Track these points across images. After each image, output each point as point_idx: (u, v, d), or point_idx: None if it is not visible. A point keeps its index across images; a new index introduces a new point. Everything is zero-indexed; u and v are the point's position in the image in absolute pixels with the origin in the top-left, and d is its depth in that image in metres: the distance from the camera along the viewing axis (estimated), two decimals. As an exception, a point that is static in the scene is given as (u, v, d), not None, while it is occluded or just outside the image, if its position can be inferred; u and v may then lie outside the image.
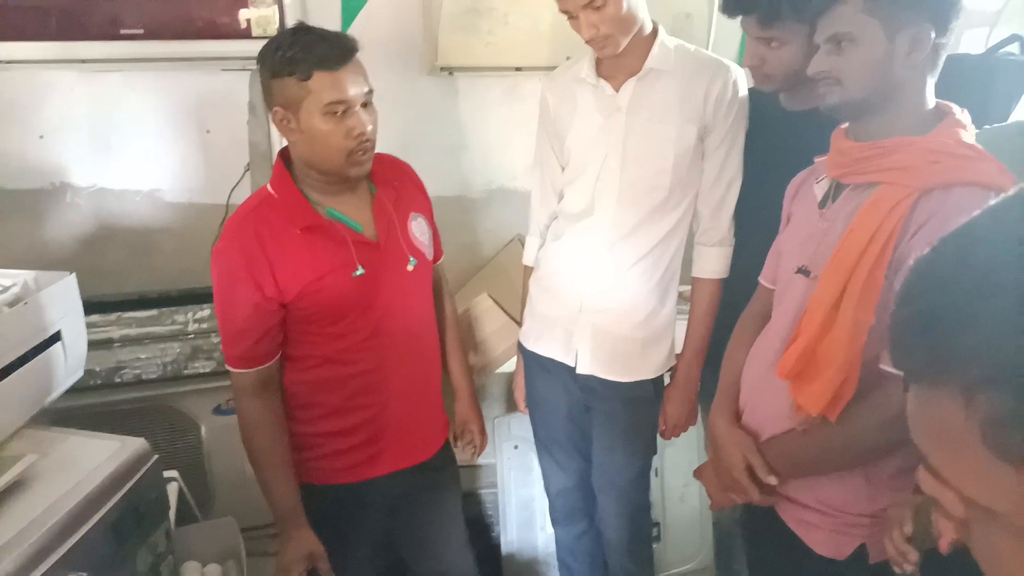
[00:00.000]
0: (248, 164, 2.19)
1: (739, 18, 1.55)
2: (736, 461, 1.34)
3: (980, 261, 0.46)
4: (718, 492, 1.41)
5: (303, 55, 1.35)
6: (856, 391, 1.16)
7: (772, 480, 1.30)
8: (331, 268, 1.44)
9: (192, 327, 2.01)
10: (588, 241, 1.67)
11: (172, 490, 1.61)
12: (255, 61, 1.98)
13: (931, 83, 1.20)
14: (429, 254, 1.63)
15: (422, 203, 1.66)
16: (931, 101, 1.21)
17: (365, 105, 1.41)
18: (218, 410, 2.09)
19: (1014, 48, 1.75)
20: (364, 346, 1.51)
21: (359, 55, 1.41)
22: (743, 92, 1.62)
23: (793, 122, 1.60)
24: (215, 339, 2.04)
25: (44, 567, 1.08)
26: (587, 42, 1.52)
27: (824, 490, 1.28)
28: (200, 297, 2.05)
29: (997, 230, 0.47)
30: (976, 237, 0.48)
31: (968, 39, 2.18)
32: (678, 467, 2.35)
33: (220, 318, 1.47)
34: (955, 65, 1.22)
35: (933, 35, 1.14)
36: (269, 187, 1.48)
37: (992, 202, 0.50)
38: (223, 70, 2.10)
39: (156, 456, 1.45)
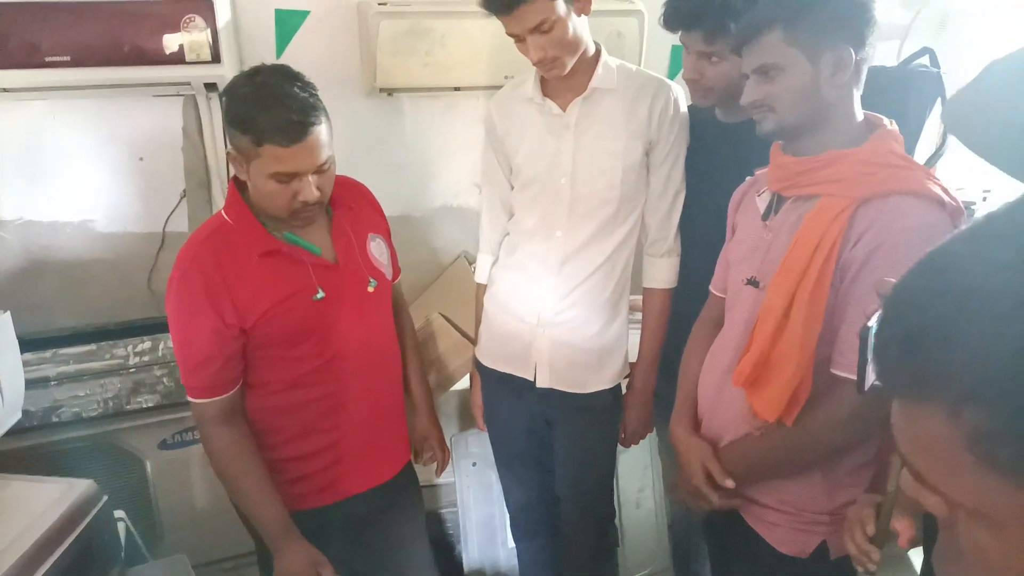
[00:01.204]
0: (184, 191, 2.14)
1: (678, 34, 1.61)
2: (695, 469, 1.37)
3: (957, 284, 0.48)
4: (689, 499, 1.44)
5: (258, 121, 1.28)
6: (809, 394, 1.20)
7: (729, 483, 1.34)
8: (291, 292, 1.42)
9: (133, 360, 1.94)
10: (542, 257, 1.69)
11: (119, 530, 1.55)
12: (189, 86, 1.98)
13: (858, 96, 1.27)
14: (388, 274, 1.62)
15: (380, 224, 1.65)
16: (860, 114, 1.28)
17: (319, 171, 1.37)
18: (164, 444, 2.03)
19: (925, 60, 1.85)
20: (325, 369, 1.49)
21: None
22: (683, 108, 1.67)
23: (729, 135, 1.66)
24: (158, 372, 1.97)
25: (-4, 621, 1.04)
26: (535, 64, 1.55)
27: (784, 490, 1.33)
28: (140, 329, 1.99)
29: (971, 254, 0.50)
30: (952, 261, 0.51)
31: (880, 51, 2.30)
32: (633, 472, 2.39)
33: (179, 348, 1.42)
34: (873, 78, 1.29)
35: (853, 53, 1.20)
36: (224, 213, 1.45)
37: (962, 227, 0.53)
38: (155, 96, 2.04)
39: (106, 496, 1.41)
